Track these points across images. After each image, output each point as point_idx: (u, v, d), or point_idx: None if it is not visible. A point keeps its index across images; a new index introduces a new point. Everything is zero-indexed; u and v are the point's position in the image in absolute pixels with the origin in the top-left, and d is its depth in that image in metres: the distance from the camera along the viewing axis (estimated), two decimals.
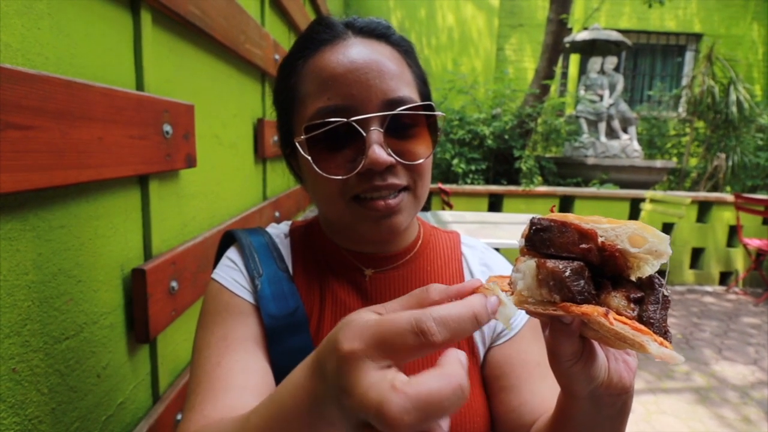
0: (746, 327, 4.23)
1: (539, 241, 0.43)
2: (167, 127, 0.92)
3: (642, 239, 0.40)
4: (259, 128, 1.70)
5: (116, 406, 0.82)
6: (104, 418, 0.79)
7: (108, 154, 0.73)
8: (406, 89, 0.66)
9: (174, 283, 0.96)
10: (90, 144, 0.69)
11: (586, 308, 0.39)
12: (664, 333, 0.40)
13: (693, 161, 6.85)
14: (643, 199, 5.12)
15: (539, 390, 0.69)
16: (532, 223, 0.43)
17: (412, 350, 0.32)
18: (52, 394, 0.67)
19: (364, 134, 0.61)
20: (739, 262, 5.44)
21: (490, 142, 5.69)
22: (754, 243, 4.95)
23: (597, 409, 0.49)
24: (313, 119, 0.63)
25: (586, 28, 6.27)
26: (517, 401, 0.69)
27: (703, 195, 5.40)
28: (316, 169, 0.63)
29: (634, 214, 5.28)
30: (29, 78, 0.57)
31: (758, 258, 5.13)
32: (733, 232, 5.34)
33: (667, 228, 5.16)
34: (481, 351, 0.75)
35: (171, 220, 1.03)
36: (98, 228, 0.77)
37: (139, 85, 0.88)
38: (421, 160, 0.66)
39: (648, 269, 0.41)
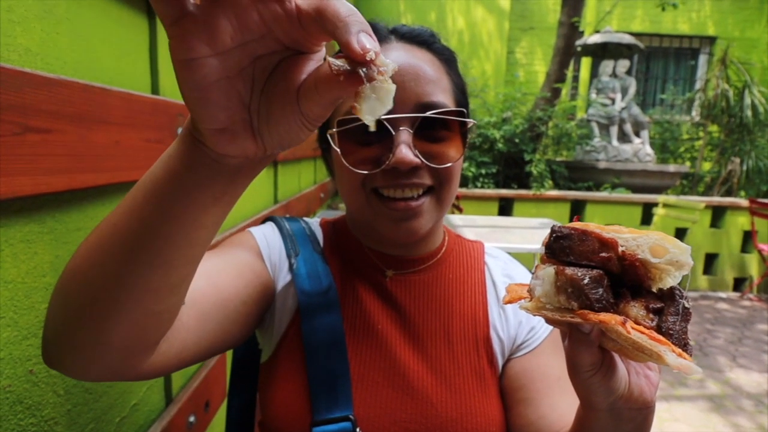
0: (761, 334, 4.17)
1: (559, 248, 0.43)
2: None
3: (663, 249, 0.40)
4: None
5: (130, 408, 0.83)
6: (118, 420, 0.79)
7: (124, 157, 0.74)
8: (442, 95, 0.67)
9: None
10: (107, 147, 0.69)
11: (604, 316, 0.39)
12: (683, 345, 0.40)
13: (706, 166, 6.77)
14: (655, 204, 5.07)
15: (559, 405, 0.68)
16: (552, 230, 0.43)
17: None
18: (67, 396, 0.67)
19: (393, 133, 0.63)
20: (754, 268, 5.36)
21: (500, 145, 5.67)
22: None
23: (616, 423, 0.49)
24: (346, 114, 0.65)
25: (597, 31, 6.23)
26: (535, 415, 0.68)
27: (717, 200, 5.33)
28: (343, 161, 0.65)
29: (646, 218, 5.23)
30: (48, 82, 0.57)
31: None
32: (748, 238, 5.27)
33: (680, 233, 5.10)
34: (500, 362, 0.74)
35: None
36: None
37: (155, 89, 0.89)
38: (447, 164, 0.66)
39: (670, 281, 0.41)
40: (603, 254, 0.42)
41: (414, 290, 0.75)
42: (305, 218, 0.84)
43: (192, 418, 1.01)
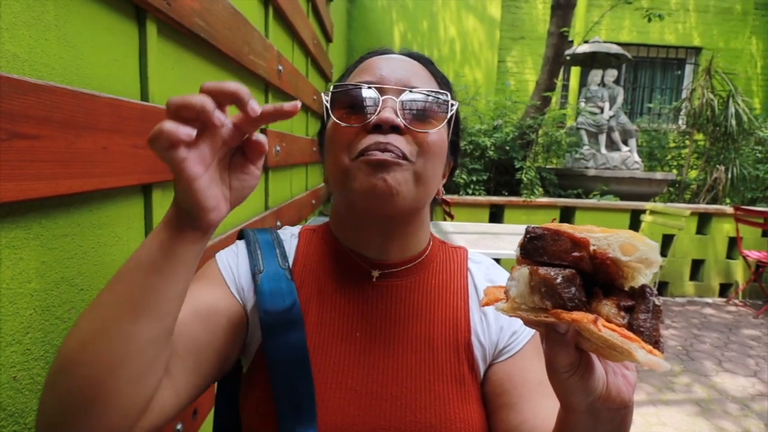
0: (746, 339, 4.22)
1: (533, 249, 0.44)
2: None
3: (633, 247, 0.41)
4: None
5: None
6: None
7: (112, 163, 0.74)
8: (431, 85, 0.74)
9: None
10: (95, 153, 0.69)
11: (576, 315, 0.40)
12: (655, 342, 0.40)
13: (693, 173, 6.86)
14: (643, 211, 5.13)
15: (540, 408, 0.68)
16: (527, 231, 0.44)
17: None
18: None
19: (380, 99, 0.68)
20: (739, 273, 5.44)
21: (491, 153, 5.71)
22: (754, 255, 4.95)
23: (595, 423, 0.49)
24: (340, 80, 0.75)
25: (586, 41, 6.32)
26: (517, 419, 0.69)
27: (702, 207, 5.41)
28: (333, 118, 0.69)
29: (634, 225, 5.29)
30: (36, 88, 0.58)
31: (758, 270, 5.13)
32: (733, 244, 5.34)
33: (667, 239, 5.16)
34: (482, 367, 0.75)
35: None
36: (101, 237, 0.78)
37: (144, 96, 0.89)
38: (428, 131, 0.69)
39: (642, 279, 0.42)
40: (575, 254, 0.42)
41: (396, 296, 0.75)
42: (285, 228, 0.85)
43: (179, 426, 1.00)
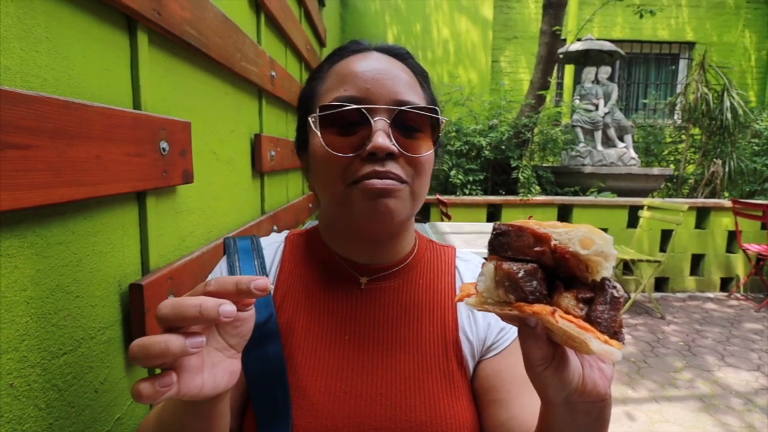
0: (749, 333, 4.22)
1: (499, 245, 0.45)
2: (164, 144, 0.93)
3: (591, 241, 0.43)
4: (256, 144, 1.72)
5: (114, 422, 0.83)
6: None
7: (105, 171, 0.75)
8: (416, 97, 0.72)
9: (171, 298, 0.97)
10: (87, 162, 0.70)
11: (537, 307, 0.42)
12: (614, 332, 0.42)
13: (690, 168, 6.87)
14: (641, 207, 5.13)
15: (529, 403, 0.69)
16: (493, 228, 0.46)
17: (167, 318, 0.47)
18: (49, 410, 0.67)
19: (372, 122, 0.66)
20: (740, 267, 5.44)
21: (487, 152, 5.72)
22: (754, 248, 4.95)
23: (573, 416, 0.50)
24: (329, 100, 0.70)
25: (579, 39, 6.34)
26: (506, 415, 0.70)
27: (701, 201, 5.41)
28: (323, 144, 0.68)
29: (632, 221, 5.29)
30: (27, 99, 0.58)
31: (758, 263, 5.13)
32: (733, 238, 5.35)
33: (666, 235, 5.17)
34: (471, 364, 0.75)
35: (168, 236, 1.04)
36: (96, 244, 0.79)
37: (136, 104, 0.90)
38: (421, 155, 0.69)
39: (604, 272, 0.43)
40: (537, 248, 0.44)
41: (385, 297, 0.76)
42: (272, 234, 0.86)
43: None
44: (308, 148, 0.75)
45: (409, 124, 0.69)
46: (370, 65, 0.71)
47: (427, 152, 0.70)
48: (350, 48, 0.77)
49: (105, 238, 0.81)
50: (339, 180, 0.68)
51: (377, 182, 0.66)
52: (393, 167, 0.67)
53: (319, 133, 0.69)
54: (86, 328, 0.76)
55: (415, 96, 0.71)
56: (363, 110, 0.67)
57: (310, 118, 0.71)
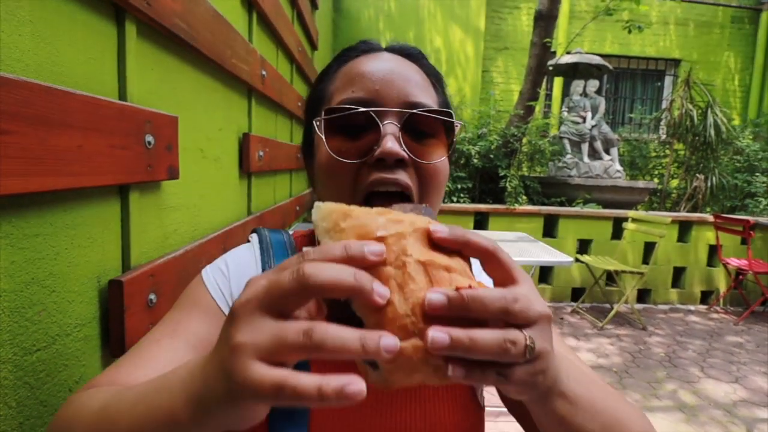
0: (729, 345, 4.27)
1: None
2: (149, 138, 0.91)
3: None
4: (244, 143, 1.70)
5: None
6: None
7: (87, 162, 0.72)
8: (429, 100, 0.67)
9: (152, 296, 0.94)
10: (69, 151, 0.68)
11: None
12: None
13: (674, 182, 6.98)
14: (625, 219, 5.19)
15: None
16: None
17: (291, 292, 0.35)
18: (20, 408, 0.64)
19: (381, 125, 0.62)
20: (721, 281, 5.52)
21: (476, 161, 5.75)
22: (734, 262, 5.03)
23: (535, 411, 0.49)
24: (335, 103, 0.66)
25: (569, 52, 6.43)
26: None
27: (683, 215, 5.49)
28: (328, 150, 0.64)
29: (616, 233, 5.35)
30: (7, 82, 0.56)
31: (738, 277, 5.22)
32: (714, 252, 5.43)
33: (649, 247, 5.23)
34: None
35: (151, 232, 1.01)
36: (75, 238, 0.76)
37: (122, 96, 0.88)
38: (434, 161, 0.65)
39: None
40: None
41: None
42: (291, 229, 0.82)
43: None
44: (314, 154, 0.71)
45: (421, 128, 0.65)
46: (380, 65, 0.67)
47: (440, 158, 0.66)
48: (360, 48, 0.73)
49: (84, 232, 0.79)
50: (345, 188, 0.64)
51: (381, 189, 0.62)
52: (401, 176, 0.63)
53: (324, 138, 0.64)
54: (62, 324, 0.73)
55: (427, 98, 0.67)
56: (371, 113, 0.62)
57: (315, 122, 0.67)
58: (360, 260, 0.37)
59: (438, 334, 0.35)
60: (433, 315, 0.36)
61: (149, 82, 0.98)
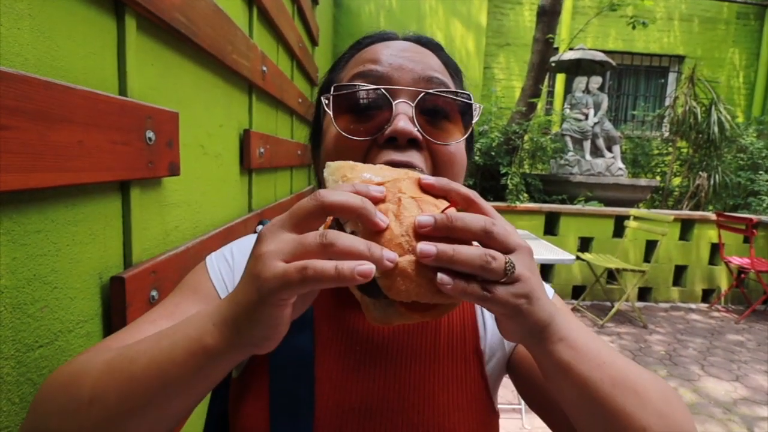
0: (730, 344, 4.27)
1: None
2: (150, 134, 0.91)
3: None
4: (245, 139, 1.70)
5: None
6: None
7: (88, 158, 0.72)
8: (447, 81, 0.65)
9: (154, 293, 0.94)
10: (69, 147, 0.67)
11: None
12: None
13: (676, 180, 6.96)
14: (627, 217, 5.18)
15: None
16: None
17: (310, 211, 0.41)
18: (23, 404, 0.64)
19: (393, 104, 0.60)
20: (722, 279, 5.51)
21: (477, 158, 5.74)
22: (736, 261, 5.02)
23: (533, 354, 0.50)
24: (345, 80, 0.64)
25: (571, 48, 6.40)
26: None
27: (685, 213, 5.48)
28: (337, 128, 0.61)
29: (618, 231, 5.34)
30: (6, 77, 0.56)
31: (740, 276, 5.20)
32: (716, 250, 5.42)
33: (651, 245, 5.22)
34: (495, 370, 0.69)
35: (152, 229, 1.01)
36: (76, 234, 0.76)
37: (122, 91, 0.88)
38: (450, 143, 0.62)
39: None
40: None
41: None
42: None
43: None
44: (322, 141, 0.68)
45: (437, 109, 0.61)
46: (396, 48, 0.64)
47: (456, 141, 0.62)
48: (376, 36, 0.71)
49: (86, 228, 0.78)
50: None
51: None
52: (415, 158, 0.59)
53: (332, 115, 0.61)
54: (64, 320, 0.73)
55: (445, 79, 0.64)
56: (383, 91, 0.59)
57: (323, 99, 0.63)
58: (365, 195, 0.43)
59: (426, 245, 0.40)
60: (423, 233, 0.42)
61: (149, 78, 0.98)
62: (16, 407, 0.63)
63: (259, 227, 0.75)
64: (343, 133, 0.60)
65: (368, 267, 0.38)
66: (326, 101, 0.63)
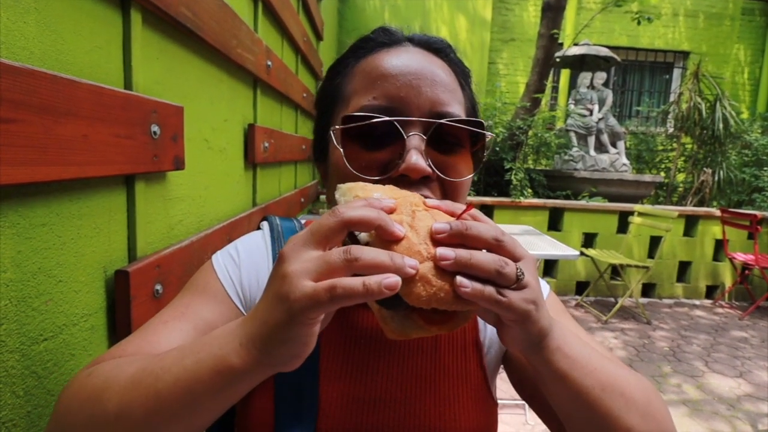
0: (734, 340, 4.26)
1: None
2: (155, 128, 0.91)
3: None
4: (249, 134, 1.70)
5: None
6: None
7: (93, 152, 0.72)
8: (458, 106, 0.64)
9: (158, 287, 0.94)
10: (74, 141, 0.67)
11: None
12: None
13: (680, 176, 6.93)
14: (631, 213, 5.16)
15: None
16: None
17: (332, 228, 0.42)
18: (27, 397, 0.65)
19: (405, 137, 0.59)
20: (726, 275, 5.49)
21: None
22: (740, 257, 5.00)
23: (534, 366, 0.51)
24: (353, 111, 0.62)
25: (576, 44, 6.36)
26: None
27: (690, 209, 5.45)
28: (346, 164, 0.60)
29: (622, 226, 5.32)
30: (13, 70, 0.56)
31: (744, 272, 5.18)
32: (720, 246, 5.40)
33: (655, 241, 5.20)
34: (493, 364, 0.72)
35: (157, 223, 1.01)
36: (81, 228, 0.76)
37: (128, 85, 0.88)
38: (462, 179, 0.62)
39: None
40: None
41: None
42: (299, 218, 0.80)
43: None
44: (327, 157, 0.67)
45: (449, 139, 0.61)
46: (404, 64, 0.62)
47: (467, 176, 0.63)
48: (379, 39, 0.67)
49: (91, 222, 0.78)
50: None
51: None
52: (425, 193, 0.59)
53: (341, 149, 0.60)
54: (68, 314, 0.73)
55: (456, 104, 0.63)
56: (395, 123, 0.58)
57: (331, 131, 0.63)
58: (379, 207, 0.44)
59: (445, 250, 0.43)
60: (439, 240, 0.44)
61: (155, 72, 0.98)
62: (20, 400, 0.63)
63: (263, 223, 0.75)
64: (355, 172, 0.60)
65: (394, 280, 0.39)
66: (334, 132, 0.62)
